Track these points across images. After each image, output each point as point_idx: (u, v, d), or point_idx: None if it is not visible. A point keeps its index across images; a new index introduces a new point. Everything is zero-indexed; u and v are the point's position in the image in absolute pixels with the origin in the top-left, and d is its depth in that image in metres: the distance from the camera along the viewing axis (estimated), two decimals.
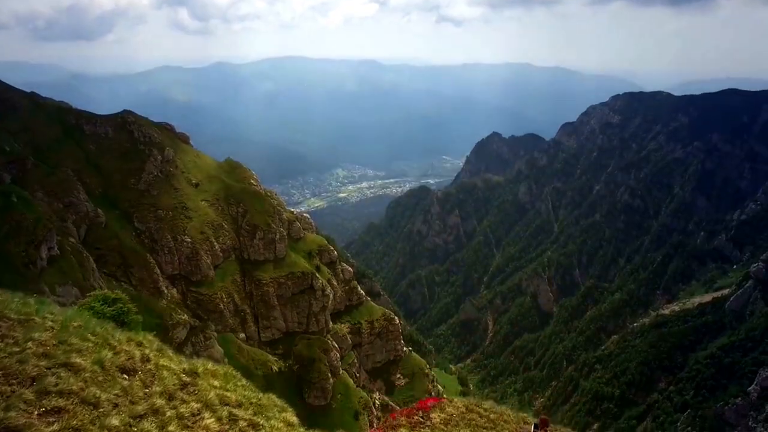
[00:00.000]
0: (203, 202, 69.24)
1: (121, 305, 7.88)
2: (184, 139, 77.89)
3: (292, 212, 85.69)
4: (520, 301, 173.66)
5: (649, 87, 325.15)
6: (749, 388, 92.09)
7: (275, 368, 58.84)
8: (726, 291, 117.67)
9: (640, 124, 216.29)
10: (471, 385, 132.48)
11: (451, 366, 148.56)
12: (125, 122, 68.43)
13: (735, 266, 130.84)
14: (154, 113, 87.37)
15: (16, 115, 57.71)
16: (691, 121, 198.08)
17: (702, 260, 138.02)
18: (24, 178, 44.57)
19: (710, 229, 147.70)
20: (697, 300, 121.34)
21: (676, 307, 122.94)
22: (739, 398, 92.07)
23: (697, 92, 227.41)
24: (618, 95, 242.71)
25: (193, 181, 70.14)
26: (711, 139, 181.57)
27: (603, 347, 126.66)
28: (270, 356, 63.47)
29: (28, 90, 67.11)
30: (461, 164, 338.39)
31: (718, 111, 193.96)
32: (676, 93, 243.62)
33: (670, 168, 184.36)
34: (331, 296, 74.72)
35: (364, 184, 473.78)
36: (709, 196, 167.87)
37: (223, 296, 63.76)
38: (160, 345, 7.16)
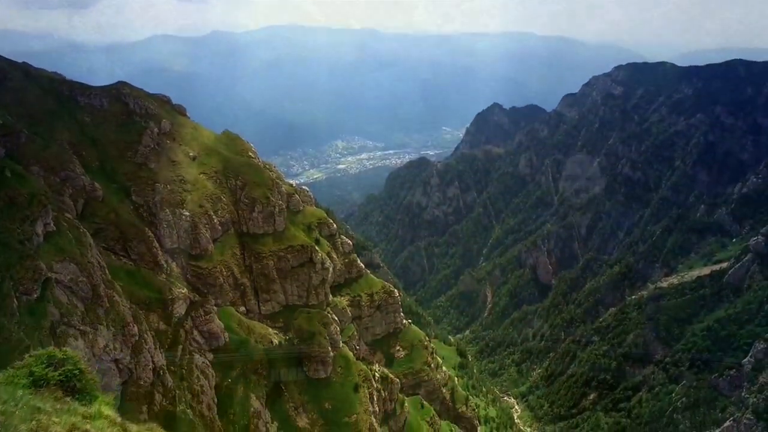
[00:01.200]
0: (201, 175, 68.51)
1: (71, 367, 5.82)
2: (180, 110, 76.64)
3: (291, 185, 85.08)
4: (519, 273, 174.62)
5: (653, 57, 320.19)
6: (744, 360, 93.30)
7: (276, 341, 59.19)
8: (725, 264, 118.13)
9: (642, 96, 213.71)
10: (469, 356, 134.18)
11: (450, 337, 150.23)
12: (120, 94, 67.13)
13: (734, 240, 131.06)
14: (149, 84, 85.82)
15: (8, 87, 56.47)
16: (694, 93, 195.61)
17: (701, 234, 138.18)
18: (18, 151, 43.80)
19: (711, 202, 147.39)
20: (695, 273, 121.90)
21: (674, 280, 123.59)
22: (734, 370, 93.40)
23: (702, 63, 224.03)
24: (621, 66, 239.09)
25: (191, 154, 69.26)
26: (714, 111, 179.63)
27: (601, 319, 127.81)
28: (270, 329, 63.75)
29: (18, 60, 65.60)
30: (461, 135, 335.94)
31: (723, 82, 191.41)
32: (680, 63, 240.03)
33: (672, 140, 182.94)
34: (331, 269, 74.76)
35: (364, 156, 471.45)
36: (711, 169, 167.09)
37: (223, 270, 63.64)
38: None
